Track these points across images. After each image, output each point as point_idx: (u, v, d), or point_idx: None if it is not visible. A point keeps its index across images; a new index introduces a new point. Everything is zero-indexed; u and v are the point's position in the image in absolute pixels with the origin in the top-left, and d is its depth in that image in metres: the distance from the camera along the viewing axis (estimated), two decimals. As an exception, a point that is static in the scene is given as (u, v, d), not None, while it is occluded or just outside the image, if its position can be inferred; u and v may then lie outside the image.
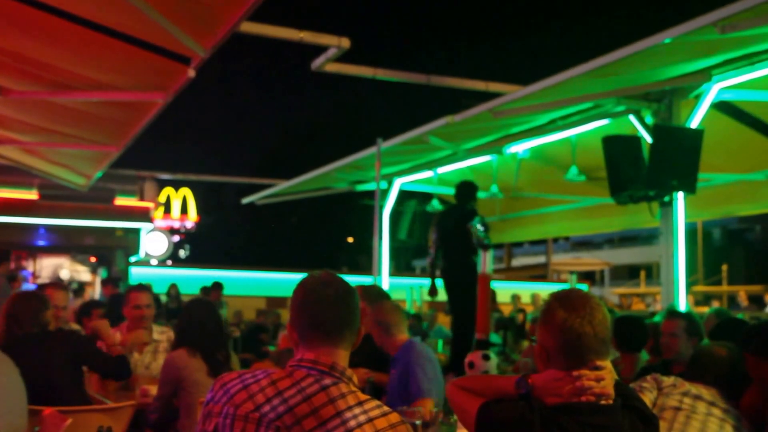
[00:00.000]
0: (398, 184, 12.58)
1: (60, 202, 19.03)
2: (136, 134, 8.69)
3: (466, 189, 8.22)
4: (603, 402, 2.35)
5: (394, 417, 2.11)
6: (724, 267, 27.55)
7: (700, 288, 24.62)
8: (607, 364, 2.38)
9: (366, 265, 10.76)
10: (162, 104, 7.39)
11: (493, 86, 10.38)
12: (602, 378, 2.34)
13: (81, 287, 13.82)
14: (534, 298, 15.76)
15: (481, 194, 11.92)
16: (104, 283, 12.02)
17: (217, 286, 14.42)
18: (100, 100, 7.49)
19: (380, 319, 4.73)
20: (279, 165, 25.68)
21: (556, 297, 2.44)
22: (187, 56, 6.05)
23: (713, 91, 7.28)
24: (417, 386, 4.41)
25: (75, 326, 6.69)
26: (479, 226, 7.03)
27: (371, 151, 9.97)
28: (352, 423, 2.04)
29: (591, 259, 37.31)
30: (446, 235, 8.05)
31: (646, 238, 40.30)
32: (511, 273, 26.43)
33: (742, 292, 18.21)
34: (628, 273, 39.96)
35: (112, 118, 8.30)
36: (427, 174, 11.97)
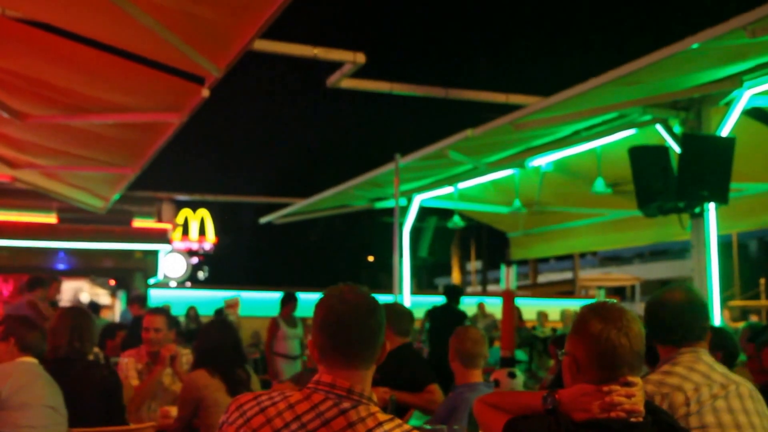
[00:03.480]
0: (418, 200, 12.42)
1: (79, 225, 19.07)
2: (152, 155, 8.67)
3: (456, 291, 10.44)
4: (633, 419, 2.27)
5: None
6: (762, 280, 27.08)
7: (737, 303, 24.16)
8: (638, 380, 2.30)
9: (387, 284, 10.62)
10: (177, 125, 7.36)
11: (514, 98, 10.22)
12: (633, 394, 2.27)
13: (96, 308, 13.71)
14: (563, 314, 15.47)
15: (503, 209, 11.84)
16: (130, 302, 11.95)
17: (235, 302, 14.45)
18: (115, 122, 7.49)
19: (462, 349, 4.39)
20: (297, 184, 25.59)
21: (590, 308, 2.38)
22: (200, 76, 6.00)
23: (745, 98, 7.08)
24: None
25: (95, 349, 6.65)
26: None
27: (389, 167, 9.83)
28: None
29: (620, 275, 36.85)
30: (439, 329, 8.91)
31: (678, 252, 39.76)
32: (538, 290, 26.21)
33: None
34: (659, 288, 39.52)
35: (128, 139, 8.27)
36: (447, 190, 11.81)
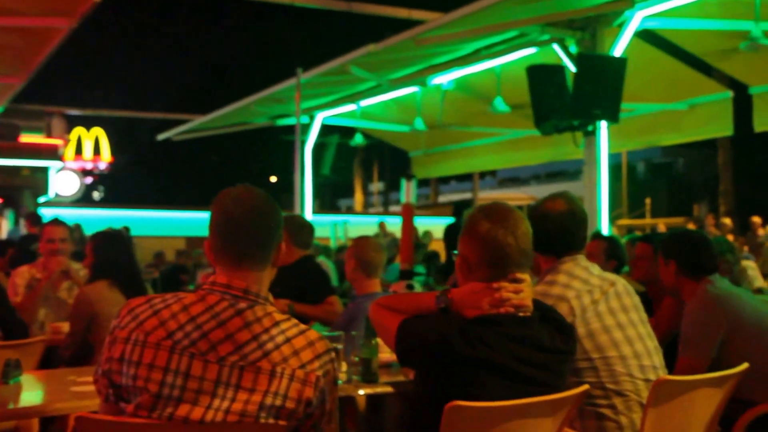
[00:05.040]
0: (320, 118, 12.33)
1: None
2: (40, 64, 8.34)
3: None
4: (522, 314, 2.36)
5: (313, 334, 2.08)
6: (648, 200, 28.25)
7: (624, 221, 25.18)
8: (526, 277, 2.38)
9: (289, 204, 10.55)
10: (66, 31, 7.09)
11: (417, 14, 10.15)
12: (521, 290, 2.35)
13: None
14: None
15: (405, 128, 11.88)
16: (24, 218, 11.56)
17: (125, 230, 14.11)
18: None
19: (362, 258, 4.41)
20: (197, 100, 24.97)
21: (479, 209, 2.45)
22: (92, -22, 5.74)
23: (636, 19, 7.25)
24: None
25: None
26: None
27: (291, 82, 9.68)
28: (270, 345, 2.00)
29: (517, 194, 37.77)
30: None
31: (573, 173, 40.92)
32: (438, 209, 26.63)
33: (662, 225, 18.70)
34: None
35: (14, 46, 7.90)
36: (350, 107, 11.74)
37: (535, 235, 2.87)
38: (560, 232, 2.97)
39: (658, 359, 2.95)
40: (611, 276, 3.03)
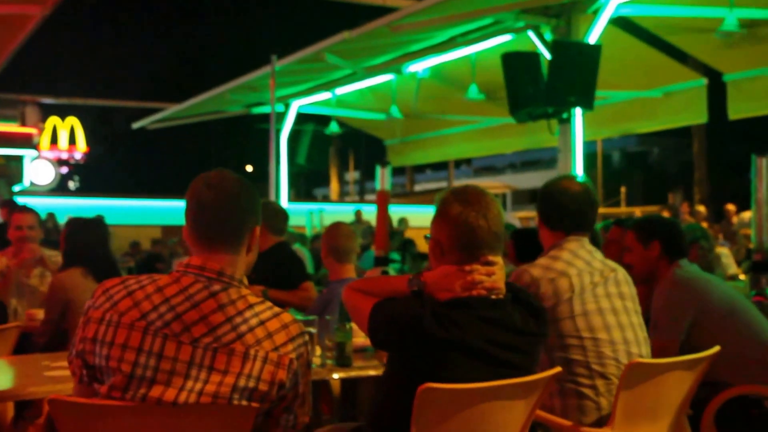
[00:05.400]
0: (296, 106, 12.28)
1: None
2: (12, 52, 8.21)
3: None
4: (494, 296, 2.37)
5: (287, 317, 2.09)
6: (623, 189, 28.42)
7: (600, 210, 25.27)
8: (498, 259, 2.39)
9: (264, 193, 10.50)
10: (38, 18, 6.96)
11: (391, 1, 10.10)
12: (493, 272, 2.36)
13: None
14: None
15: (381, 116, 11.87)
16: (3, 205, 11.40)
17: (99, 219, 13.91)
18: (-32, 12, 6.98)
19: (334, 245, 4.46)
20: (172, 88, 24.78)
21: (451, 192, 2.45)
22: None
23: (611, 6, 7.25)
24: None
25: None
26: None
27: (266, 70, 9.63)
28: (243, 328, 2.01)
29: (492, 182, 37.85)
30: None
31: (548, 162, 41.13)
32: (413, 197, 26.67)
33: (637, 212, 18.83)
34: (529, 197, 40.84)
35: (-16, 33, 7.77)
36: (325, 95, 11.70)
37: (547, 210, 2.98)
38: (574, 208, 3.02)
39: (646, 350, 2.99)
40: (613, 264, 3.09)
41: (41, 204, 17.17)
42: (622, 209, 26.79)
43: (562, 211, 3.02)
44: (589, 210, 3.07)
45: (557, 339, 2.86)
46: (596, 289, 2.93)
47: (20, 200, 17.53)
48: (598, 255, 3.05)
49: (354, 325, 3.22)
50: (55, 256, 5.29)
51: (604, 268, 3.01)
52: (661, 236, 3.75)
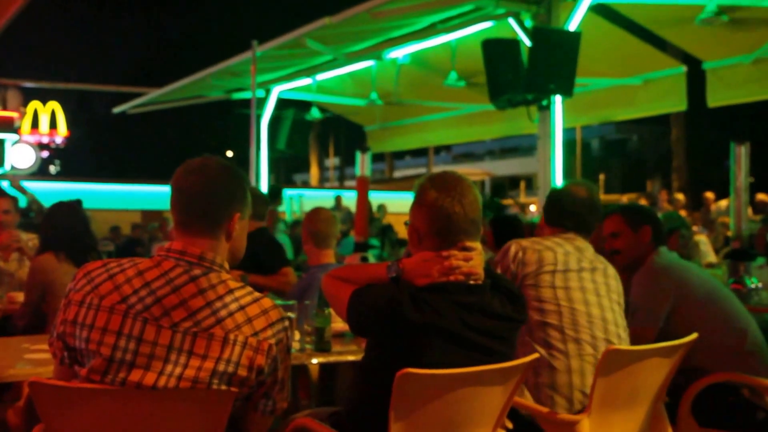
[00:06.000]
0: (276, 92, 12.23)
1: None
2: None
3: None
4: (472, 282, 2.39)
5: (267, 302, 2.10)
6: (602, 176, 28.52)
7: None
8: (476, 245, 2.42)
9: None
10: (20, 2, 6.87)
11: (373, -13, 10.09)
12: (471, 258, 2.38)
13: None
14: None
15: (361, 101, 11.85)
16: None
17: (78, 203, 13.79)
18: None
19: (313, 230, 4.47)
20: (153, 73, 24.60)
21: (428, 178, 2.47)
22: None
23: (591, -8, 7.28)
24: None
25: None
26: None
27: (247, 55, 9.59)
28: (223, 312, 2.02)
29: (472, 169, 37.93)
30: None
31: (527, 149, 41.29)
32: (393, 184, 26.69)
33: (624, 200, 18.95)
34: (508, 184, 41.02)
35: (-38, 16, 7.66)
36: (306, 81, 11.67)
37: (549, 210, 3.18)
38: (575, 210, 3.16)
39: (625, 334, 3.04)
40: (606, 261, 3.18)
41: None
42: (601, 197, 26.87)
43: (563, 211, 3.18)
44: (590, 214, 3.20)
45: (535, 302, 2.94)
46: (582, 273, 3.01)
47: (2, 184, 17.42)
48: (591, 251, 3.15)
49: (332, 311, 3.23)
50: (32, 240, 5.28)
51: (594, 260, 3.10)
52: (652, 222, 3.78)
